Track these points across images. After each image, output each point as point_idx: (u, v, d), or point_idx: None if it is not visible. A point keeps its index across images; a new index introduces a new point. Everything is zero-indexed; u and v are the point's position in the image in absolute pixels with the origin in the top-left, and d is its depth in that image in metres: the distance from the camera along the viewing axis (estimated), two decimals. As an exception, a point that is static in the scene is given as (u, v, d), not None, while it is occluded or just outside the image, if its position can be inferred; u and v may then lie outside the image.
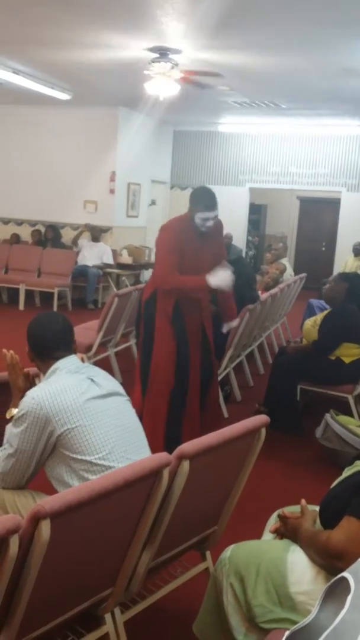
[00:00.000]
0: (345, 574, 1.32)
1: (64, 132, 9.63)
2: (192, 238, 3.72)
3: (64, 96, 8.39)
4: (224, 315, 4.21)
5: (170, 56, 5.97)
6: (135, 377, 3.94)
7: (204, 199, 3.67)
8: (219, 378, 4.64)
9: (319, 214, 13.55)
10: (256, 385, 5.41)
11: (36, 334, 2.22)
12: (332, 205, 11.79)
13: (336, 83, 6.88)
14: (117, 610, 1.93)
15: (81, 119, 9.49)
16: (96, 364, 4.82)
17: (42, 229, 9.79)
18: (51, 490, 2.04)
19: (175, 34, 5.42)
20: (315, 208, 13.49)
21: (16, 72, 7.23)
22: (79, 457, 1.97)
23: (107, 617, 1.88)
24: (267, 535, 1.98)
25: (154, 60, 6.02)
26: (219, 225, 3.87)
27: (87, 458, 1.97)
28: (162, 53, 5.92)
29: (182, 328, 3.73)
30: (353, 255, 9.36)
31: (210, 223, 3.66)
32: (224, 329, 4.24)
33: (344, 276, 4.50)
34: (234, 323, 4.30)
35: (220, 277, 3.62)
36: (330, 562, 1.62)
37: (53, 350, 2.17)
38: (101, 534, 1.68)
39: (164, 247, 3.70)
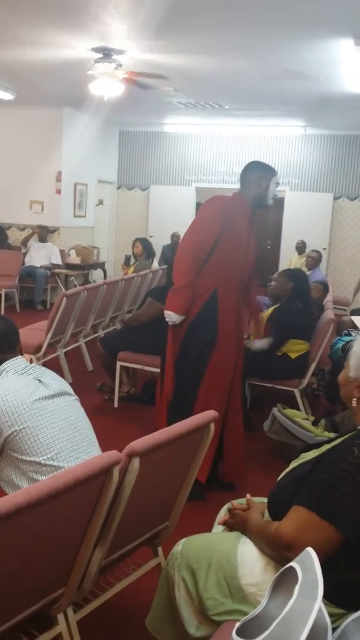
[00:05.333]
0: (293, 563, 1.34)
1: (8, 132, 9.49)
2: (244, 220, 3.20)
3: (7, 96, 8.26)
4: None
5: (114, 57, 5.95)
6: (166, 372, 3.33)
7: (263, 164, 3.26)
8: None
9: (264, 213, 13.67)
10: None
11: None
12: (276, 204, 11.93)
13: (278, 85, 7.00)
14: (69, 610, 1.92)
15: (25, 118, 9.37)
16: (46, 364, 4.81)
17: (-13, 230, 9.62)
18: (1, 493, 2.02)
19: (118, 35, 5.42)
20: (261, 207, 13.69)
21: None
22: (28, 458, 1.96)
23: (60, 617, 1.87)
24: (217, 528, 2.00)
25: (97, 61, 6.00)
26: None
27: (36, 459, 1.96)
28: (106, 53, 5.91)
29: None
30: (297, 253, 9.57)
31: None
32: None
33: (288, 274, 4.58)
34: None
35: None
36: (280, 552, 1.60)
37: (-4, 352, 2.16)
38: (52, 534, 1.67)
39: (203, 218, 3.12)
